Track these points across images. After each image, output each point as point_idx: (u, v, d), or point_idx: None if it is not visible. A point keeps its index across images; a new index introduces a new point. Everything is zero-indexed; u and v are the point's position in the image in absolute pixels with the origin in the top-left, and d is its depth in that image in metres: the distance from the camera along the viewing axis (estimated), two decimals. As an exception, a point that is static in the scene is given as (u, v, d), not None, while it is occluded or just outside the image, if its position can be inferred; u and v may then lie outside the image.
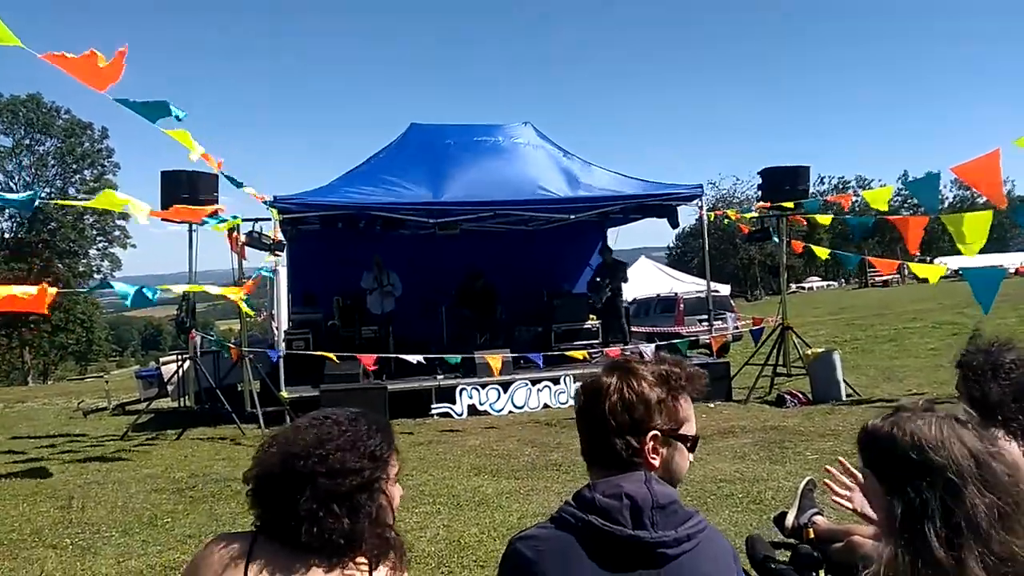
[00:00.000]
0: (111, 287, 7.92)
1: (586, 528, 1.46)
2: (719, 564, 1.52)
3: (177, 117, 7.63)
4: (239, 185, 9.72)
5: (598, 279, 13.52)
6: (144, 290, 7.99)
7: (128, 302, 7.86)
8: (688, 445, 1.64)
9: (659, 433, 1.58)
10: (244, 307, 9.81)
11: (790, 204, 10.70)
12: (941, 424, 1.43)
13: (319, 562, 1.48)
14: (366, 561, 1.52)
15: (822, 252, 12.48)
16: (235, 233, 10.05)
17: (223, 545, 1.50)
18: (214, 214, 9.41)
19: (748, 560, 3.55)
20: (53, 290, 6.92)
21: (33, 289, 6.72)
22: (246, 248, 10.22)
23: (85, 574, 4.36)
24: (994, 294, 7.88)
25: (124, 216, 49.16)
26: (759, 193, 11.55)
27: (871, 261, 13.14)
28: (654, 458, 1.58)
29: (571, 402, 10.69)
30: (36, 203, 6.96)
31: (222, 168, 9.38)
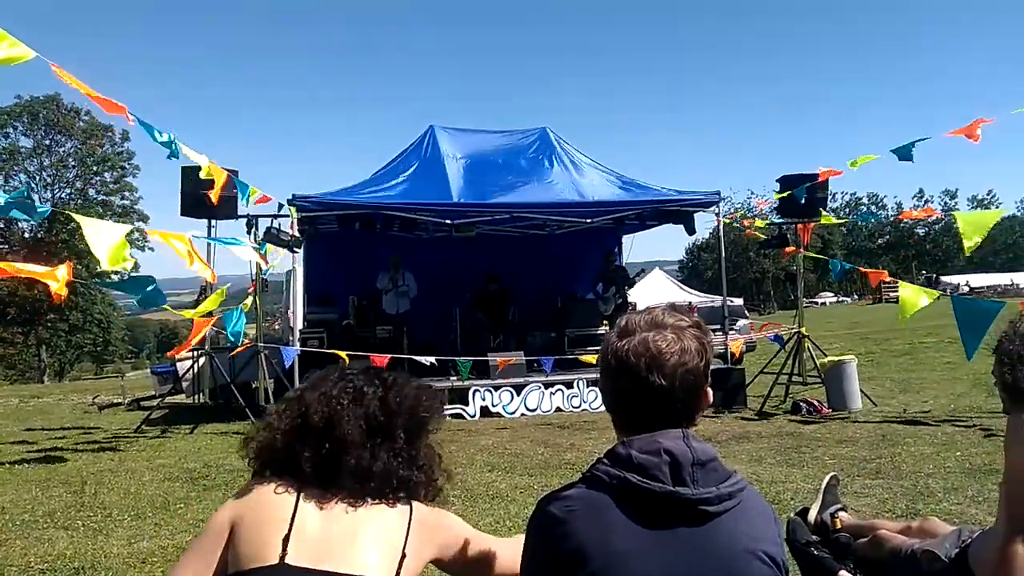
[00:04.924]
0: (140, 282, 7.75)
1: (622, 486, 1.38)
2: (760, 524, 1.45)
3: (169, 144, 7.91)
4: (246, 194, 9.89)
5: (599, 287, 13.49)
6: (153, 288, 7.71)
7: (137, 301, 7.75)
8: None
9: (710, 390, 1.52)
10: (209, 303, 9.14)
11: (781, 195, 10.77)
12: None
13: (370, 498, 1.62)
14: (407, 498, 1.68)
15: (813, 256, 12.17)
16: (252, 230, 10.11)
17: (271, 479, 1.58)
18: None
19: (788, 545, 3.47)
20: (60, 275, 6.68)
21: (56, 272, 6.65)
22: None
23: (96, 554, 4.35)
24: (982, 336, 6.37)
25: (143, 219, 49.62)
26: (777, 202, 11.48)
27: (864, 272, 11.62)
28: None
29: (584, 406, 10.63)
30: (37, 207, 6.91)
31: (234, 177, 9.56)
